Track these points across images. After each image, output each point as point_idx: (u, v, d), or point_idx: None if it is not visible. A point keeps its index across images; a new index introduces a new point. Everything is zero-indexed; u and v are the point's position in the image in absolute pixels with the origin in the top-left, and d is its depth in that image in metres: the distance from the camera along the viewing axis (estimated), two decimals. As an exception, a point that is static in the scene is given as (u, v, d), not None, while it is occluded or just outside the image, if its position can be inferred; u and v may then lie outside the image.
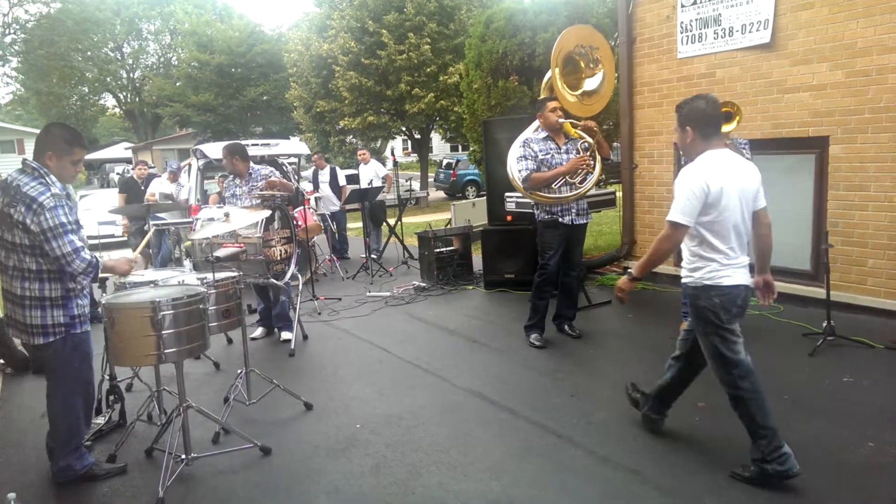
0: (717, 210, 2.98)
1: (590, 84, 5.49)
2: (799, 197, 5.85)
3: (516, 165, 5.15)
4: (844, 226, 5.46)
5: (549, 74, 5.47)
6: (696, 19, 6.31)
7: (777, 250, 5.96)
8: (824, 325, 4.79)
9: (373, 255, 8.95)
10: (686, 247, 3.15)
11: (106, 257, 4.21)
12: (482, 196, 9.92)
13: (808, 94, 5.58)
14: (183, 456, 3.38)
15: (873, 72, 5.16)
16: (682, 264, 3.21)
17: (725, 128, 4.87)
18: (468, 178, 21.02)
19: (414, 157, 21.07)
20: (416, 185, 9.57)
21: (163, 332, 3.17)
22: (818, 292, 5.36)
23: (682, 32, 6.48)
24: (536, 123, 5.33)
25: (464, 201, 12.84)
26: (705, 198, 2.95)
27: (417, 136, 22.81)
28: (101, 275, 3.40)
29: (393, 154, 9.81)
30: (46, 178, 3.15)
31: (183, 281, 3.88)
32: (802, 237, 5.86)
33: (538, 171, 5.01)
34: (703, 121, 3.06)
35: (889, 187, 5.15)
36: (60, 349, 3.25)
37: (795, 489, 2.96)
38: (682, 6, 6.43)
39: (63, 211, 3.11)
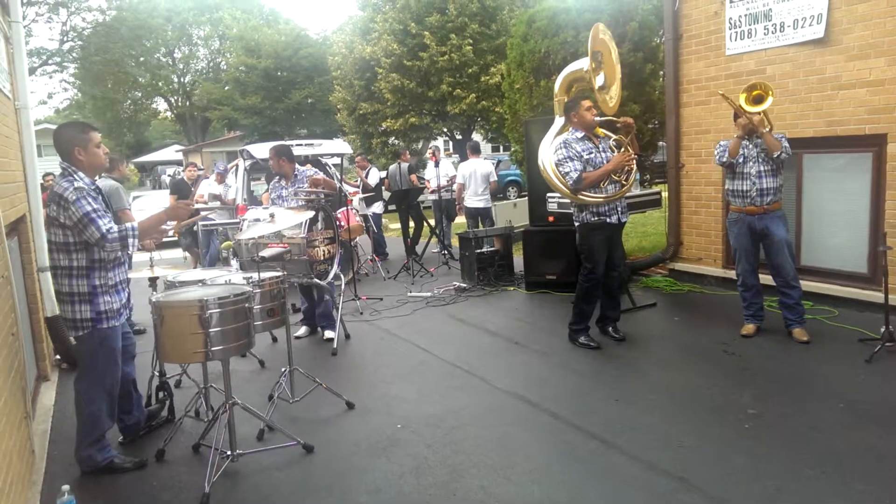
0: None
1: (598, 81, 5.48)
2: (855, 197, 5.63)
3: (561, 168, 5.01)
4: (904, 227, 5.23)
5: (566, 72, 5.69)
6: (746, 15, 6.13)
7: (832, 252, 5.82)
8: (882, 330, 4.59)
9: (414, 256, 9.01)
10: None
11: (157, 256, 4.33)
12: (523, 196, 9.87)
13: (864, 90, 5.36)
14: (228, 452, 3.44)
15: (936, 66, 4.93)
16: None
17: (756, 108, 4.80)
18: (509, 178, 20.89)
19: (455, 158, 21.11)
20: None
21: (210, 329, 3.24)
22: (876, 296, 5.14)
23: (730, 28, 6.31)
24: (559, 124, 5.30)
25: (505, 202, 12.77)
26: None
27: (459, 137, 22.81)
28: (148, 237, 3.60)
29: (434, 155, 9.85)
30: (74, 175, 3.36)
31: (230, 280, 3.96)
32: (859, 239, 5.64)
33: (585, 171, 4.94)
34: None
35: (953, 187, 4.92)
36: (87, 343, 3.42)
37: (850, 500, 2.85)
38: (731, 2, 6.26)
39: (87, 201, 3.27)
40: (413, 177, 10.43)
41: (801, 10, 5.68)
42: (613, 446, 3.52)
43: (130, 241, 3.33)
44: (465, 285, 7.73)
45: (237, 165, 9.52)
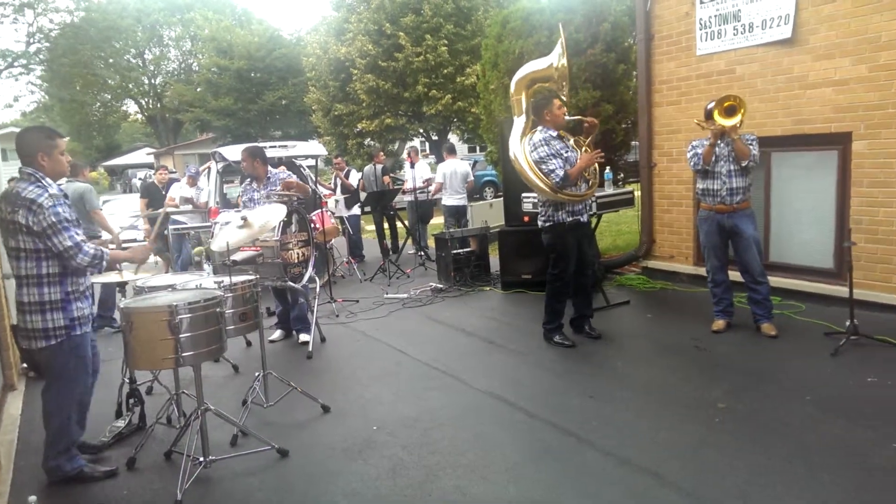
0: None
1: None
2: (821, 194, 5.74)
3: (544, 166, 4.94)
4: (868, 223, 5.34)
5: (524, 71, 5.62)
6: (716, 15, 6.22)
7: (798, 248, 5.93)
8: (847, 324, 4.69)
9: (390, 258, 8.99)
10: None
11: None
12: (499, 197, 9.94)
13: (830, 89, 5.47)
14: (201, 458, 3.40)
15: (898, 66, 5.05)
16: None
17: (728, 121, 4.85)
18: (485, 178, 20.97)
19: (432, 159, 21.12)
20: (432, 186, 9.70)
21: (180, 335, 3.20)
22: (841, 291, 5.25)
23: (701, 29, 6.39)
24: (522, 123, 5.30)
25: (481, 202, 12.80)
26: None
27: (435, 138, 22.82)
28: (116, 266, 3.60)
29: (409, 156, 9.85)
30: (42, 182, 3.30)
31: (200, 285, 3.91)
32: (824, 235, 5.75)
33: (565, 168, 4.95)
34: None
35: (915, 183, 5.04)
36: (58, 351, 3.33)
37: (819, 491, 2.90)
38: (702, 3, 6.34)
39: (62, 208, 3.25)
40: (386, 178, 10.47)
41: (769, 10, 5.78)
42: (589, 443, 3.54)
43: (102, 264, 3.36)
44: (441, 286, 7.73)
45: (209, 168, 9.40)
